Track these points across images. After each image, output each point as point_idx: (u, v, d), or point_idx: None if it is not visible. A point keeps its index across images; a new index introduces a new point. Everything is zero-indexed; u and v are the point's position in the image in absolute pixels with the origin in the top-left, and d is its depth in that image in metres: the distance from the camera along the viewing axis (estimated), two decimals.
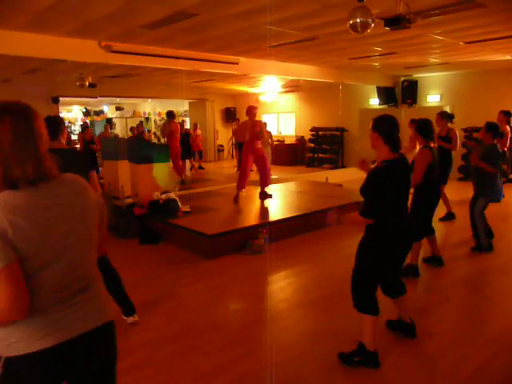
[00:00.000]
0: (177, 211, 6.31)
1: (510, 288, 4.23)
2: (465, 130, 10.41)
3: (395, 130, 2.75)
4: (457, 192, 8.30)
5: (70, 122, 19.68)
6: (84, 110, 19.11)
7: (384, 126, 2.74)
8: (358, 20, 4.38)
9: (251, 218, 6.60)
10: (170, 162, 10.06)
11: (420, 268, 4.47)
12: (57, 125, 3.11)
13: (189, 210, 6.49)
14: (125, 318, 3.48)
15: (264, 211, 6.91)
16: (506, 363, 2.86)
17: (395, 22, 4.44)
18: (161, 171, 7.09)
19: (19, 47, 5.84)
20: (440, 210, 6.39)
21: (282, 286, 4.42)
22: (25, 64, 8.54)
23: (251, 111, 7.24)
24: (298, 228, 6.15)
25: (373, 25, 4.48)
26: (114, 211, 6.40)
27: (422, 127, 4.36)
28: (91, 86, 9.75)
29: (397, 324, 3.23)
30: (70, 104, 19.04)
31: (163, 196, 6.52)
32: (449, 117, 6.70)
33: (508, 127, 7.17)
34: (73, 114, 20.47)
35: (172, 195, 6.56)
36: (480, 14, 5.26)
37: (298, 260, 5.16)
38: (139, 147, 7.10)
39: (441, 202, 5.59)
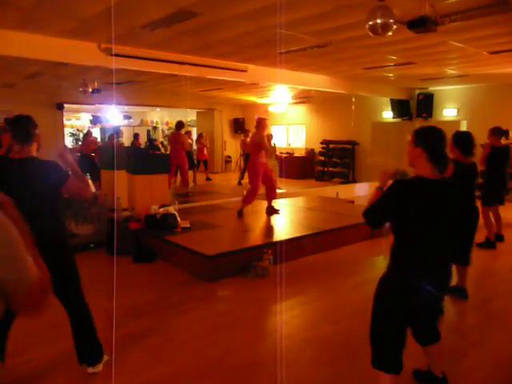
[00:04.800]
0: (175, 227, 5.82)
1: None
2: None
3: (443, 145, 2.24)
4: None
5: (77, 130, 19.53)
6: (91, 118, 18.85)
7: (430, 140, 2.22)
8: (379, 21, 3.92)
9: (256, 236, 6.08)
10: (178, 174, 9.71)
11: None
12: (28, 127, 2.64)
13: (188, 225, 6.00)
14: (82, 365, 2.81)
15: (270, 229, 6.41)
16: None
17: (420, 24, 3.95)
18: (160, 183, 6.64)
19: (10, 47, 5.44)
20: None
21: (285, 318, 3.89)
22: (25, 68, 8.20)
23: (264, 122, 6.89)
24: (305, 249, 5.63)
25: (394, 27, 4.01)
26: (108, 225, 5.94)
27: (463, 140, 3.91)
28: (95, 91, 9.40)
29: (426, 376, 2.67)
30: (78, 111, 18.83)
31: (161, 210, 6.04)
32: None
33: None
34: (81, 121, 20.27)
35: (171, 209, 6.08)
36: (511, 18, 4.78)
37: (304, 287, 4.64)
38: (136, 156, 6.64)
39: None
